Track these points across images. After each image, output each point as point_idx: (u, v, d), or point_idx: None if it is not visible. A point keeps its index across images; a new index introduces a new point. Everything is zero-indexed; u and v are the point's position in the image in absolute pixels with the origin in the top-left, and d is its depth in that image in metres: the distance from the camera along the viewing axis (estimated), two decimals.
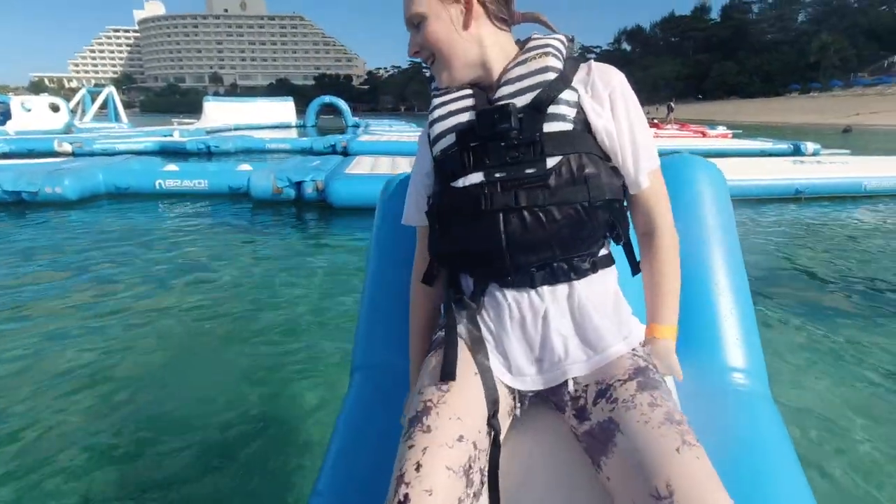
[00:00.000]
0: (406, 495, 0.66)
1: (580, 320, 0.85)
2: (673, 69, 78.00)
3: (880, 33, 65.07)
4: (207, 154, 12.91)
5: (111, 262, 4.35)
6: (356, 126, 24.12)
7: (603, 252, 0.89)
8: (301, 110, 29.91)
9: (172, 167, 7.71)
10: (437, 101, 0.91)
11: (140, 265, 4.31)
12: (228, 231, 5.59)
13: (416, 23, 0.87)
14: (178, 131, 17.35)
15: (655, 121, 21.26)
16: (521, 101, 0.82)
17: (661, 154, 1.15)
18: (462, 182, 0.83)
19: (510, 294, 0.85)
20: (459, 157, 0.84)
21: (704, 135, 17.28)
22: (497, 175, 0.81)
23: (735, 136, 17.46)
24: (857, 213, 6.29)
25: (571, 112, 0.82)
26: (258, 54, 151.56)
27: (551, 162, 0.79)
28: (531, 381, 0.86)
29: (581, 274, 0.85)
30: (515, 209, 0.79)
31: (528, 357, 0.86)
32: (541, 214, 0.79)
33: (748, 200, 6.47)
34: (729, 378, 1.06)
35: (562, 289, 0.84)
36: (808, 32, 69.89)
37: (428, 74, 0.96)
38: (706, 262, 1.16)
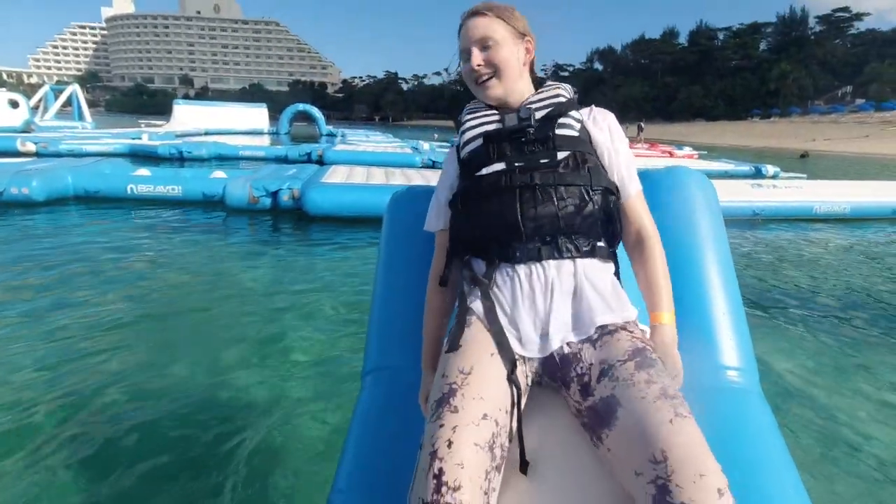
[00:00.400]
0: (441, 469, 0.74)
1: (581, 293, 0.96)
2: (642, 90, 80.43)
3: (834, 65, 68.85)
4: (180, 159, 12.63)
5: (80, 266, 4.24)
6: (330, 135, 23.96)
7: (601, 244, 1.01)
8: (274, 116, 29.58)
9: (144, 172, 7.54)
10: (468, 115, 1.12)
11: (110, 270, 4.21)
12: (204, 238, 5.50)
13: (485, 44, 1.05)
14: (148, 134, 16.94)
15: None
16: (538, 113, 1.04)
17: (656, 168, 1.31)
18: (486, 170, 1.02)
19: (520, 268, 0.97)
20: (485, 152, 1.03)
21: (672, 154, 17.84)
22: (516, 164, 1.00)
23: (700, 156, 18.14)
24: (809, 235, 6.65)
25: (577, 125, 1.04)
26: (231, 58, 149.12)
27: (561, 155, 1.00)
28: (538, 349, 0.95)
29: (582, 253, 0.97)
30: (530, 186, 0.97)
31: (534, 326, 0.96)
32: (551, 191, 0.96)
33: None
34: (723, 376, 1.13)
35: (566, 264, 0.97)
36: (768, 61, 73.11)
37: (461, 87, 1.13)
38: (700, 266, 1.24)
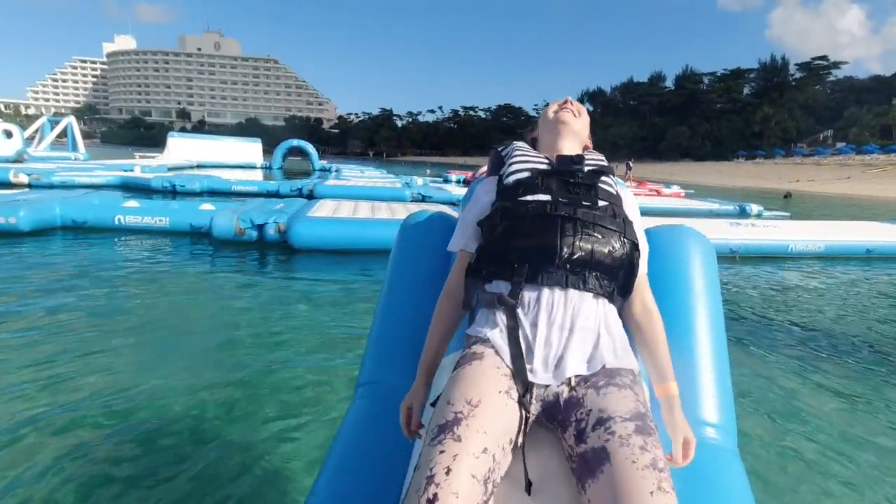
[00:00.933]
0: (435, 494, 0.76)
1: (599, 331, 1.02)
2: (631, 130, 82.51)
3: (815, 109, 71.22)
4: (172, 192, 12.70)
5: (65, 295, 4.22)
6: (324, 170, 24.25)
7: (618, 295, 1.09)
8: (269, 151, 29.94)
9: (133, 203, 7.59)
10: (519, 152, 1.25)
11: (94, 298, 4.19)
12: (190, 269, 5.52)
13: (578, 117, 1.30)
14: (140, 167, 17.06)
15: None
16: (587, 167, 1.17)
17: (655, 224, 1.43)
18: (531, 197, 1.10)
19: (545, 291, 1.02)
20: (534, 181, 1.13)
21: (660, 193, 18.11)
22: (561, 199, 1.09)
23: (687, 195, 18.43)
24: (783, 272, 6.81)
25: (614, 188, 1.18)
26: (229, 93, 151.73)
27: (601, 203, 1.10)
28: (551, 375, 0.98)
29: (604, 293, 1.05)
30: (572, 219, 1.05)
31: (552, 351, 0.99)
32: (590, 228, 1.05)
33: None
34: (701, 431, 1.16)
35: (589, 299, 1.03)
36: (752, 104, 75.62)
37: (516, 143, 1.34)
38: (692, 324, 1.29)
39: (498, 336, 1.01)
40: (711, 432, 1.17)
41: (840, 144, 58.45)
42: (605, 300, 1.06)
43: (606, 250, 1.05)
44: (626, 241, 1.08)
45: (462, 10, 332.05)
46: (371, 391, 1.28)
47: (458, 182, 19.13)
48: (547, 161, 1.20)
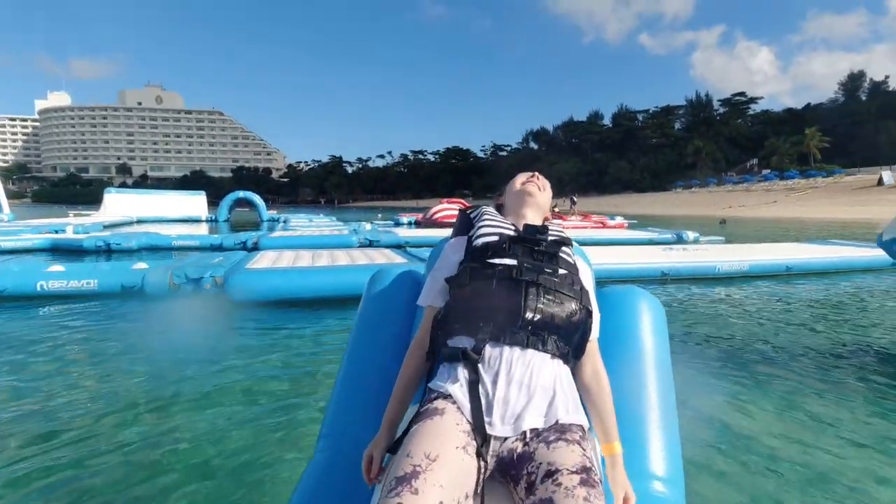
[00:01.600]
0: None
1: (555, 389, 1.08)
2: (575, 166, 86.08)
3: (739, 140, 76.90)
4: (107, 251, 12.04)
5: None
6: (272, 220, 23.84)
7: (571, 357, 1.16)
8: (216, 203, 29.29)
9: (58, 267, 7.10)
10: (488, 217, 1.35)
11: (21, 371, 3.80)
12: (121, 329, 5.13)
13: (542, 191, 1.43)
14: (74, 226, 16.21)
15: (558, 211, 22.92)
16: (550, 237, 1.26)
17: (608, 283, 1.53)
18: (499, 260, 1.18)
19: (506, 349, 1.08)
20: (501, 246, 1.21)
21: (604, 225, 18.81)
22: (525, 265, 1.17)
23: (630, 226, 19.21)
24: (713, 292, 7.15)
25: (573, 258, 1.27)
26: (173, 146, 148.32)
27: (561, 271, 1.19)
28: (510, 428, 1.03)
29: (560, 354, 1.12)
30: (535, 283, 1.13)
31: (510, 405, 1.04)
32: (551, 294, 1.13)
33: (628, 280, 7.07)
34: (650, 485, 1.22)
35: (547, 360, 1.09)
36: (684, 138, 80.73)
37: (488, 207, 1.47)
38: (642, 382, 1.36)
39: (458, 390, 1.05)
40: (659, 486, 1.22)
41: (765, 171, 62.85)
42: (561, 361, 1.13)
43: (565, 315, 1.13)
44: (582, 307, 1.17)
45: (407, 55, 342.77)
46: (333, 443, 1.29)
47: (409, 224, 19.24)
48: (514, 228, 1.29)
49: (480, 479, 0.97)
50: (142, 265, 7.25)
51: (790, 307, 6.28)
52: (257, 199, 28.47)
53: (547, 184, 1.45)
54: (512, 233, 1.27)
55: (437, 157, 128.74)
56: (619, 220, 21.06)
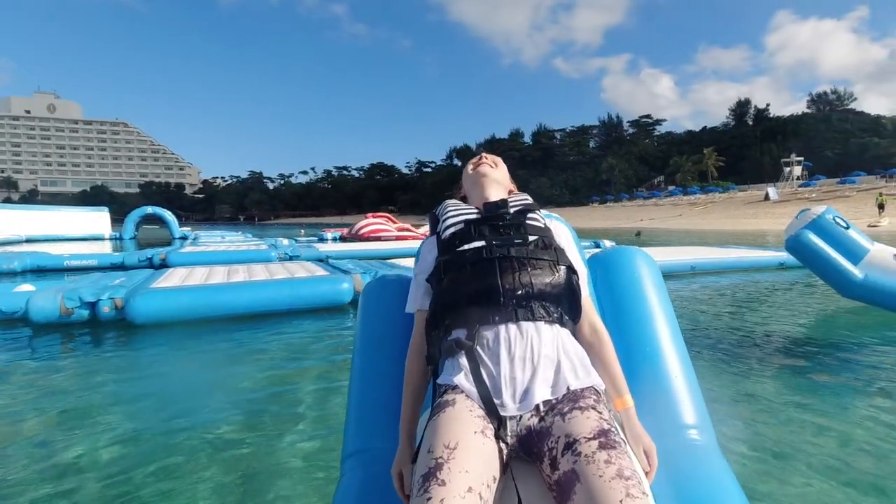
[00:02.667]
0: None
1: (559, 356, 1.06)
2: None
3: (648, 159, 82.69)
4: None
5: None
6: (184, 238, 22.23)
7: (567, 317, 1.13)
8: (121, 220, 26.95)
9: None
10: (451, 208, 1.32)
11: None
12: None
13: (495, 167, 1.43)
14: None
15: None
16: (513, 208, 1.27)
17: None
18: (468, 246, 1.18)
19: (500, 329, 1.07)
20: (468, 231, 1.21)
21: None
22: (494, 242, 1.16)
23: None
24: None
25: (542, 221, 1.26)
26: (69, 159, 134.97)
27: (531, 238, 1.18)
28: (521, 406, 1.01)
29: (554, 320, 1.10)
30: (507, 258, 1.13)
31: (517, 382, 1.03)
32: (525, 262, 1.12)
33: None
34: (684, 434, 1.21)
35: (544, 328, 1.08)
36: (598, 156, 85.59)
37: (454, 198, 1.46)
38: (652, 336, 1.35)
39: (464, 379, 1.05)
40: (693, 433, 1.22)
41: (671, 187, 67.86)
42: (557, 325, 1.10)
43: (547, 280, 1.11)
44: (560, 267, 1.15)
45: (328, 73, 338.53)
46: (359, 461, 1.28)
47: (333, 239, 18.60)
48: (476, 211, 1.28)
49: (505, 461, 0.98)
50: (27, 287, 6.33)
51: (698, 298, 6.79)
52: (168, 214, 26.50)
53: (498, 159, 1.44)
54: (475, 216, 1.26)
55: (361, 172, 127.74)
56: None
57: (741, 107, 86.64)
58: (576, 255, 1.26)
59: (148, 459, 2.55)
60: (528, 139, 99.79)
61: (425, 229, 19.40)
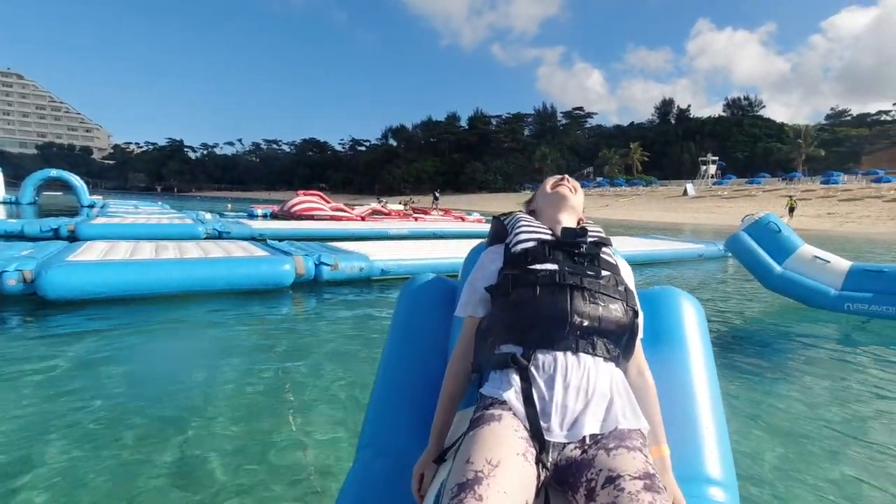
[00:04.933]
0: None
1: (612, 394, 1.05)
2: (434, 165, 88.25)
3: (578, 150, 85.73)
4: None
5: None
6: (93, 207, 20.36)
7: (622, 359, 1.14)
8: (16, 183, 24.19)
9: None
10: (525, 222, 1.30)
11: None
12: None
13: (575, 193, 1.38)
14: None
15: (415, 205, 23.31)
16: (590, 238, 1.24)
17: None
18: (540, 266, 1.15)
19: (559, 355, 1.06)
20: (542, 251, 1.19)
21: (464, 219, 19.55)
22: (567, 269, 1.15)
23: (487, 221, 20.13)
24: None
25: (613, 258, 1.26)
26: None
27: (604, 273, 1.17)
28: (567, 435, 1.00)
29: (611, 357, 1.10)
30: (580, 287, 1.11)
31: (568, 410, 1.01)
32: (596, 296, 1.11)
33: None
34: (705, 490, 1.18)
35: (601, 363, 1.07)
36: (532, 144, 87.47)
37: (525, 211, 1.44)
38: (689, 382, 1.31)
39: (514, 397, 1.03)
40: (713, 490, 1.19)
41: (599, 178, 70.78)
42: (613, 364, 1.10)
43: (613, 318, 1.10)
44: (628, 308, 1.14)
45: (259, 41, 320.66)
46: (374, 452, 1.30)
47: (264, 216, 17.75)
48: (551, 232, 1.26)
49: (540, 488, 0.97)
50: None
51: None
52: (75, 179, 24.02)
53: (578, 185, 1.41)
54: (550, 237, 1.24)
55: (292, 147, 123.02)
56: (476, 215, 21.98)
57: (665, 106, 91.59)
58: (636, 297, 1.24)
59: (48, 454, 2.28)
60: (464, 123, 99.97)
61: (360, 210, 18.99)
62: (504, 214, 1.39)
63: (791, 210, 26.12)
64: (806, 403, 3.16)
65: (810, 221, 24.88)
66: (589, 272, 1.15)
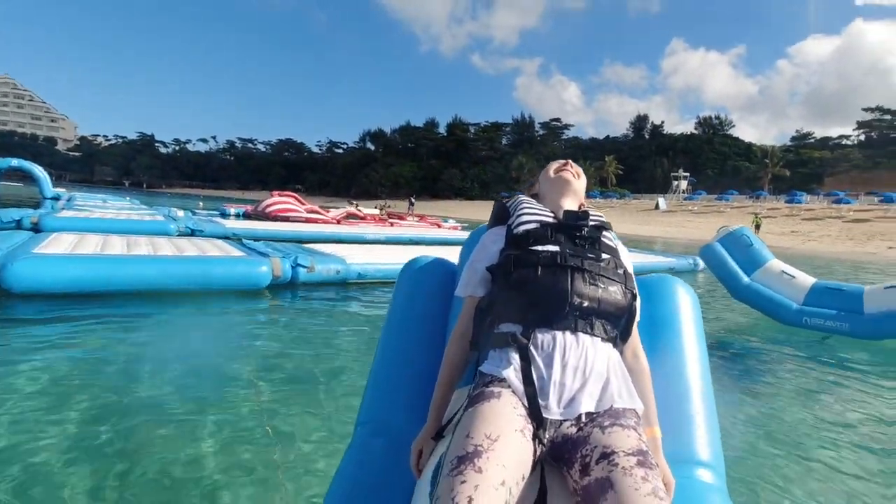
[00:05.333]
0: None
1: (609, 373, 1.08)
2: (411, 170, 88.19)
3: (554, 160, 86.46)
4: None
5: None
6: (56, 199, 19.66)
7: (619, 340, 1.17)
8: None
9: None
10: (527, 204, 1.33)
11: None
12: None
13: (577, 178, 1.41)
14: None
15: (389, 210, 23.27)
16: (591, 221, 1.27)
17: (642, 273, 1.50)
18: (542, 247, 1.18)
19: (558, 333, 1.08)
20: (544, 233, 1.22)
21: (440, 226, 19.57)
22: (568, 251, 1.17)
23: (463, 228, 20.22)
24: None
25: (613, 242, 1.28)
26: None
27: (604, 256, 1.20)
28: (564, 412, 1.03)
29: (609, 338, 1.13)
30: (580, 269, 1.14)
31: (565, 389, 1.04)
32: (597, 278, 1.14)
33: None
34: (692, 471, 1.22)
35: (599, 344, 1.10)
36: (510, 153, 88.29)
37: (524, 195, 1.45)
38: (682, 367, 1.36)
39: (513, 375, 1.05)
40: (702, 472, 1.23)
41: None
42: (611, 345, 1.13)
43: (612, 300, 1.13)
44: (627, 291, 1.18)
45: (237, 38, 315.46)
46: (372, 429, 1.31)
47: (237, 215, 17.43)
48: (553, 215, 1.28)
49: (535, 462, 0.99)
50: None
51: None
52: (38, 170, 23.07)
53: (580, 171, 1.44)
54: (552, 220, 1.27)
55: (268, 147, 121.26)
56: (452, 222, 22.01)
57: (640, 121, 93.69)
58: (635, 280, 1.28)
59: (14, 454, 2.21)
60: (442, 130, 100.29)
61: (335, 213, 18.79)
62: (506, 196, 1.43)
63: (757, 227, 26.92)
64: (770, 400, 3.28)
65: (775, 238, 25.74)
66: (590, 255, 1.17)
